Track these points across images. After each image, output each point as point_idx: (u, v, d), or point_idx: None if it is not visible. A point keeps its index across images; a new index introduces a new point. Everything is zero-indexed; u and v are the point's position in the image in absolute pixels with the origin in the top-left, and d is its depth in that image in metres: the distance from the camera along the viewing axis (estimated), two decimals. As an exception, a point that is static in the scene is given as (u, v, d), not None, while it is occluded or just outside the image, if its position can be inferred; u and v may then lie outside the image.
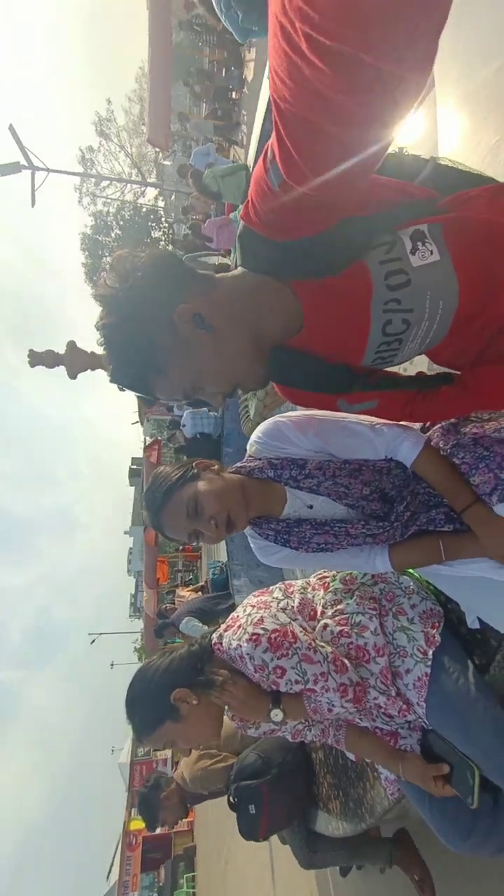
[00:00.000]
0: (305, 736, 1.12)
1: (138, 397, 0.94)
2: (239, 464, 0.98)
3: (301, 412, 0.95)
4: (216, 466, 0.97)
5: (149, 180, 20.86)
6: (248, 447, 1.00)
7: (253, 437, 0.98)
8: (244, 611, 1.07)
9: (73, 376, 2.92)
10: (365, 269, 0.66)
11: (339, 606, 1.07)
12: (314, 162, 0.49)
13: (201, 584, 6.16)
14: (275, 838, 1.86)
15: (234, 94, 10.22)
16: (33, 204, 11.35)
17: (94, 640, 24.62)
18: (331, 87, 0.41)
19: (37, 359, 2.83)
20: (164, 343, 0.67)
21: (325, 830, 1.58)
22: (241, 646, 0.97)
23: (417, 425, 0.99)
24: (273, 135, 0.50)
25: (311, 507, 0.93)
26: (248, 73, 9.42)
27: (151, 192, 21.64)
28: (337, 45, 0.38)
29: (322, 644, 1.00)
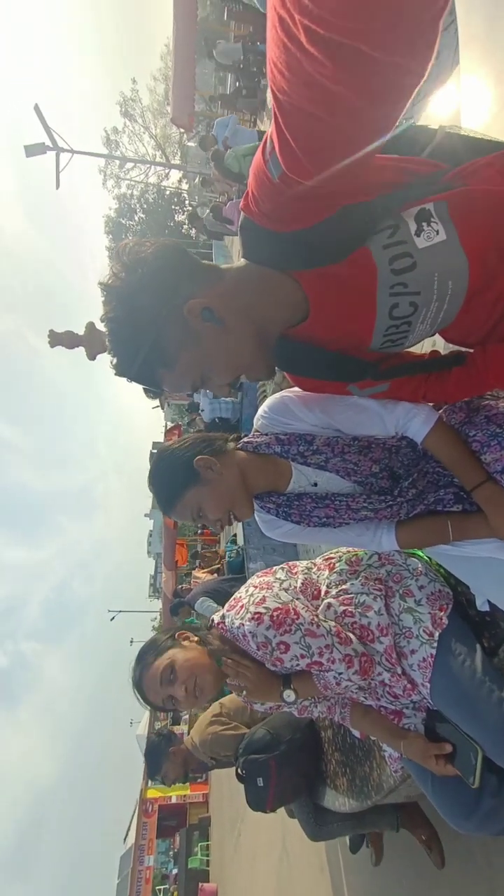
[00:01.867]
0: (311, 712, 1.14)
1: (144, 390, 0.93)
2: (246, 439, 0.98)
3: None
4: (217, 465, 0.93)
5: (173, 162, 20.64)
6: (254, 421, 1.00)
7: (260, 411, 0.98)
8: (246, 591, 1.08)
9: (92, 357, 2.95)
10: (368, 255, 0.64)
11: (343, 587, 1.07)
12: (314, 154, 0.49)
13: (217, 566, 6.25)
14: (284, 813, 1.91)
15: (255, 70, 9.92)
16: (58, 186, 11.40)
17: (113, 617, 25.44)
18: (330, 79, 0.41)
19: (56, 339, 2.87)
20: (172, 337, 0.67)
21: (332, 806, 1.61)
22: (243, 624, 0.98)
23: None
24: (272, 126, 0.50)
25: (315, 484, 0.92)
26: None
27: (175, 175, 21.47)
28: (336, 37, 0.38)
29: (325, 619, 1.01)
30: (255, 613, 0.98)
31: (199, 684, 1.04)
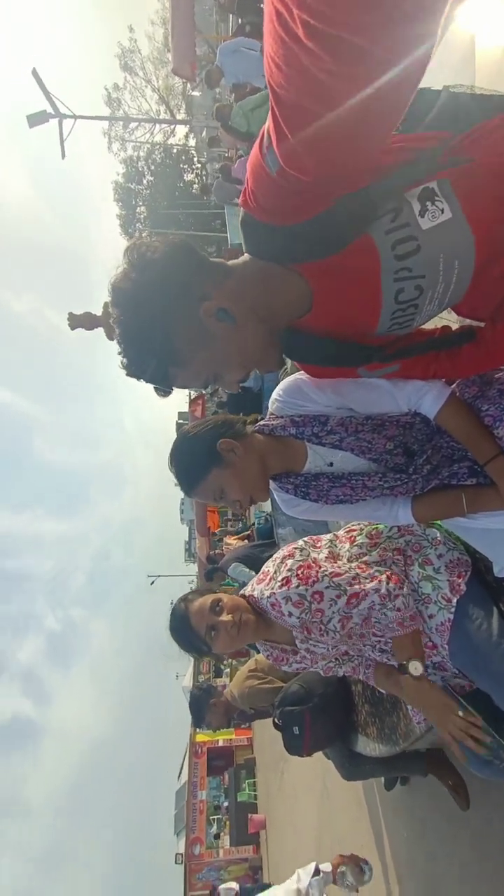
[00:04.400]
0: (336, 672, 1.21)
1: (155, 388, 0.92)
2: (262, 422, 1.00)
3: None
4: (240, 448, 0.95)
5: (178, 117, 19.60)
6: (269, 405, 1.01)
7: (274, 394, 0.99)
8: (273, 564, 1.12)
9: (111, 337, 2.98)
10: (370, 242, 0.63)
11: (363, 559, 1.11)
12: (313, 149, 0.49)
13: (247, 532, 6.43)
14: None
15: (262, 4, 9.09)
16: (63, 155, 11.09)
17: (153, 582, 26.72)
18: (329, 74, 0.40)
19: (76, 321, 2.91)
20: (186, 337, 0.67)
21: (364, 751, 1.74)
22: (274, 593, 1.03)
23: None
24: (269, 120, 0.50)
25: (330, 464, 0.94)
26: None
27: (182, 131, 20.44)
28: (335, 31, 0.38)
29: (344, 562, 1.08)
30: (283, 578, 1.03)
31: (244, 619, 1.06)
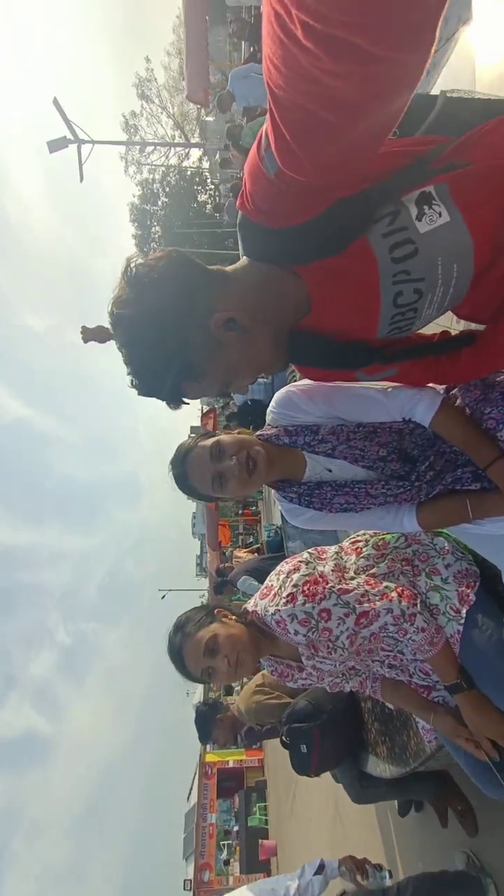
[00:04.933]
0: (343, 687, 1.17)
1: (168, 404, 0.78)
2: (260, 431, 1.02)
3: (310, 381, 0.95)
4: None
5: (192, 140, 20.23)
6: (266, 415, 1.03)
7: (270, 405, 1.02)
8: (277, 578, 1.08)
9: (124, 351, 3.05)
10: (367, 246, 0.63)
11: (371, 571, 1.08)
12: (311, 150, 0.48)
13: (258, 546, 6.39)
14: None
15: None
16: (81, 179, 11.50)
17: (164, 596, 26.55)
18: (327, 74, 0.40)
19: (89, 335, 2.97)
20: (198, 351, 0.67)
21: (373, 771, 1.68)
22: (278, 610, 0.98)
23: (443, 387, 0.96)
24: (268, 122, 0.50)
25: (330, 470, 0.94)
26: None
27: (196, 154, 21.07)
28: (333, 31, 0.37)
29: (352, 576, 1.03)
30: (288, 595, 0.98)
31: (240, 659, 1.04)
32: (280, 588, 1.02)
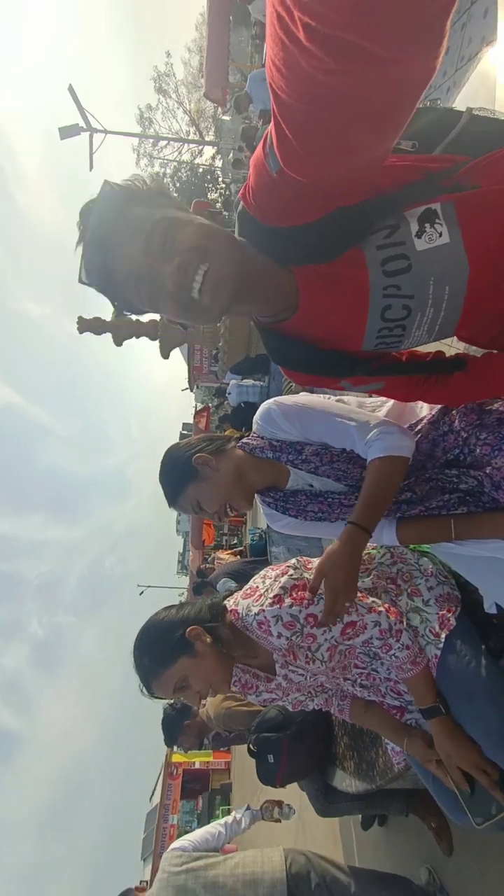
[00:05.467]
0: (307, 706, 1.12)
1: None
2: (245, 439, 1.02)
3: (295, 396, 0.97)
4: (213, 462, 1.00)
5: (207, 138, 20.24)
6: (253, 423, 1.04)
7: (255, 416, 1.02)
8: (263, 581, 1.05)
9: (118, 343, 3.01)
10: (360, 256, 0.63)
11: None
12: (313, 152, 0.48)
13: (241, 548, 6.36)
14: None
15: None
16: (91, 167, 11.40)
17: (142, 592, 26.33)
18: (330, 76, 0.40)
19: (85, 325, 2.94)
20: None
21: (340, 786, 1.66)
22: (263, 610, 0.95)
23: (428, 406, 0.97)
24: (272, 122, 0.49)
25: (311, 485, 0.95)
26: None
27: (209, 152, 21.07)
28: (336, 33, 0.37)
29: None
30: (276, 596, 0.95)
31: (214, 689, 1.01)
32: (266, 590, 0.99)
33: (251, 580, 1.09)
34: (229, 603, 1.07)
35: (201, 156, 21.73)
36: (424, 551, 1.09)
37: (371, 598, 0.96)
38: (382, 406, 1.01)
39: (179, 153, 21.36)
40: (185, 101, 21.08)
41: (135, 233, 0.60)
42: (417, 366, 0.78)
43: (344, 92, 0.41)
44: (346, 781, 1.61)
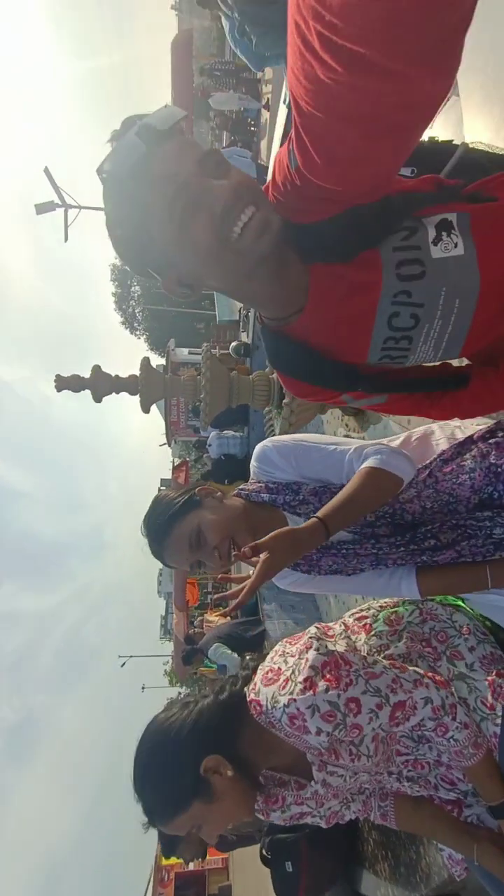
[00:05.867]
0: (343, 817, 0.90)
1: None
2: (242, 486, 0.96)
3: (287, 437, 0.93)
4: (219, 493, 0.96)
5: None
6: (250, 467, 0.99)
7: (252, 459, 0.97)
8: (284, 661, 0.85)
9: (98, 399, 2.95)
10: (376, 256, 0.61)
11: (387, 651, 0.92)
12: (329, 159, 0.49)
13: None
14: None
15: (252, 125, 10.67)
16: (66, 239, 11.96)
17: (124, 664, 24.52)
18: (344, 87, 0.40)
19: (63, 383, 2.89)
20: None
21: (373, 895, 1.41)
22: (294, 700, 0.76)
23: (447, 431, 0.93)
24: (293, 126, 0.50)
25: None
26: (268, 96, 9.79)
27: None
28: (349, 44, 0.37)
29: (373, 658, 0.85)
30: (305, 679, 0.77)
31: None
32: (293, 672, 0.81)
33: (267, 659, 0.90)
34: (251, 694, 0.85)
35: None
36: (457, 605, 0.98)
37: (412, 668, 0.82)
38: (396, 439, 0.95)
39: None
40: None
41: (189, 150, 0.55)
42: (421, 382, 0.75)
43: (356, 105, 0.41)
44: (381, 890, 1.36)
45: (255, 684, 0.84)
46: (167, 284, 0.63)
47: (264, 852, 1.57)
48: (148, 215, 0.55)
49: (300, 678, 0.77)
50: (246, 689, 0.86)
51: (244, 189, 0.55)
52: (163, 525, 0.91)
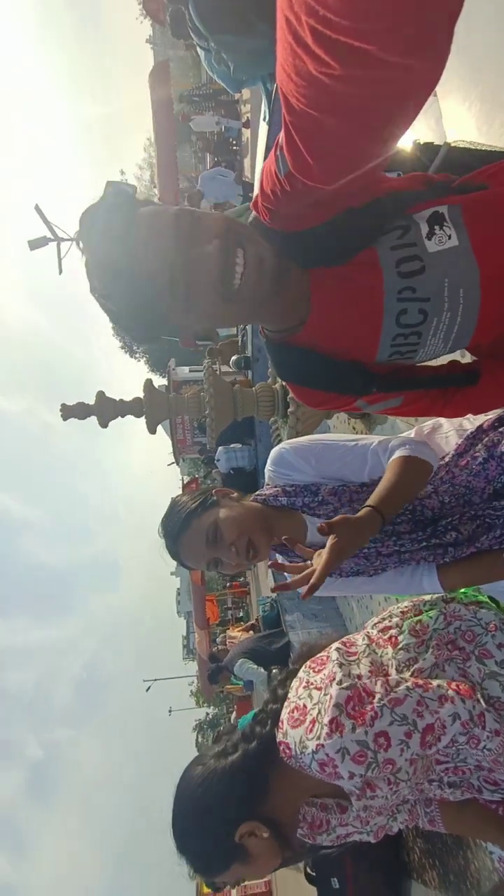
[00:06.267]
0: (391, 829, 0.85)
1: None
2: (258, 491, 0.96)
3: (304, 438, 0.93)
4: (235, 494, 0.95)
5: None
6: (265, 473, 0.98)
7: (267, 464, 0.97)
8: (309, 696, 0.80)
9: (104, 425, 3.00)
10: (374, 256, 0.62)
11: (416, 666, 0.86)
12: (322, 158, 0.48)
13: (252, 622, 5.96)
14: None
15: (234, 145, 10.94)
16: (60, 272, 12.23)
17: (149, 688, 24.26)
18: (338, 82, 0.39)
19: (69, 412, 2.94)
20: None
21: (423, 907, 1.37)
22: (322, 746, 0.72)
23: (456, 422, 0.92)
24: (282, 127, 0.50)
25: None
26: (247, 115, 10.05)
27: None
28: (343, 38, 0.37)
29: (396, 679, 0.80)
30: (332, 721, 0.72)
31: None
32: (318, 712, 0.76)
33: (292, 691, 0.85)
34: (279, 735, 0.81)
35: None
36: (480, 601, 0.97)
37: (436, 682, 0.78)
38: (409, 433, 0.96)
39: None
40: (141, 208, 23.55)
41: (159, 225, 0.55)
42: (436, 379, 0.75)
43: (351, 99, 0.41)
44: (431, 901, 1.33)
45: (282, 723, 0.81)
46: (185, 343, 0.66)
47: (308, 870, 1.54)
48: (149, 302, 0.57)
49: (326, 719, 0.74)
50: (276, 729, 0.82)
51: (225, 236, 0.55)
52: (180, 522, 0.91)
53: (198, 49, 3.28)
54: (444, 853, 1.28)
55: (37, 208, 11.31)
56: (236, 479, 5.27)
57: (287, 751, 0.78)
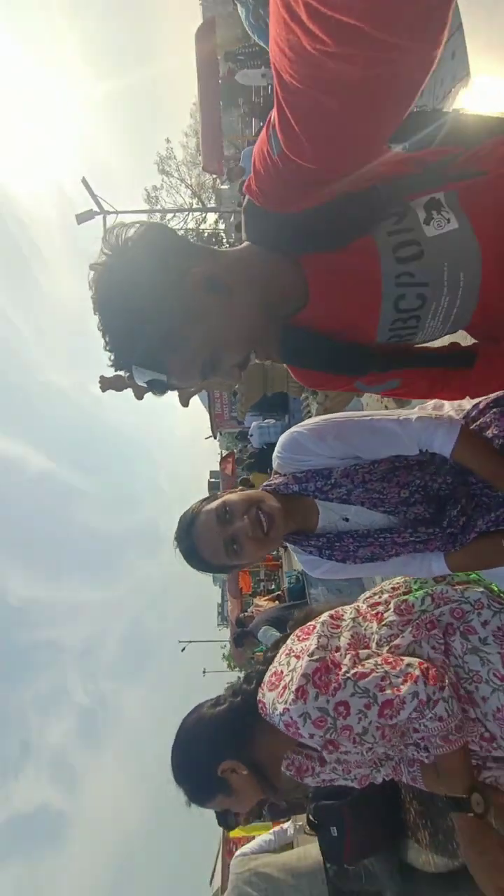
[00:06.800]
0: (375, 779, 0.96)
1: (149, 386, 0.69)
2: (267, 482, 0.97)
3: (318, 418, 0.92)
4: (240, 489, 1.00)
5: (209, 206, 21.93)
6: (273, 461, 0.99)
7: (275, 451, 0.97)
8: (287, 663, 0.89)
9: (139, 397, 3.10)
10: (371, 242, 0.61)
11: (395, 642, 0.92)
12: (314, 135, 0.48)
13: (279, 592, 6.13)
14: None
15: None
16: (106, 245, 12.37)
17: (184, 648, 25.52)
18: (331, 58, 0.39)
19: (107, 384, 3.05)
20: (176, 314, 0.61)
21: (416, 863, 1.45)
22: (287, 710, 0.82)
23: (454, 403, 0.90)
24: (275, 105, 0.49)
25: (346, 519, 0.88)
26: None
27: (212, 217, 22.72)
28: (338, 15, 0.36)
29: (366, 653, 0.88)
30: (298, 689, 0.82)
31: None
32: (290, 679, 0.85)
33: (276, 657, 0.94)
34: (260, 695, 0.93)
35: (205, 222, 23.46)
36: (472, 580, 0.98)
37: (406, 660, 0.83)
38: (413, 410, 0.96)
39: (185, 222, 23.11)
40: (186, 178, 23.14)
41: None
42: (435, 358, 0.74)
43: (346, 77, 0.40)
44: (422, 857, 1.40)
45: (262, 685, 0.92)
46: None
47: (310, 817, 1.65)
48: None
49: (293, 686, 0.83)
50: (259, 689, 0.95)
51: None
52: (192, 514, 0.95)
53: (238, 7, 3.16)
54: (436, 815, 1.34)
55: (84, 181, 11.41)
56: (267, 456, 5.33)
57: (264, 709, 0.89)
